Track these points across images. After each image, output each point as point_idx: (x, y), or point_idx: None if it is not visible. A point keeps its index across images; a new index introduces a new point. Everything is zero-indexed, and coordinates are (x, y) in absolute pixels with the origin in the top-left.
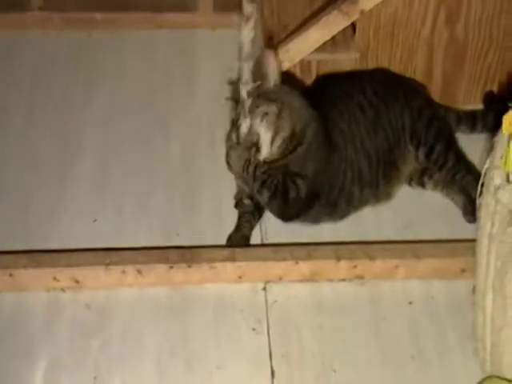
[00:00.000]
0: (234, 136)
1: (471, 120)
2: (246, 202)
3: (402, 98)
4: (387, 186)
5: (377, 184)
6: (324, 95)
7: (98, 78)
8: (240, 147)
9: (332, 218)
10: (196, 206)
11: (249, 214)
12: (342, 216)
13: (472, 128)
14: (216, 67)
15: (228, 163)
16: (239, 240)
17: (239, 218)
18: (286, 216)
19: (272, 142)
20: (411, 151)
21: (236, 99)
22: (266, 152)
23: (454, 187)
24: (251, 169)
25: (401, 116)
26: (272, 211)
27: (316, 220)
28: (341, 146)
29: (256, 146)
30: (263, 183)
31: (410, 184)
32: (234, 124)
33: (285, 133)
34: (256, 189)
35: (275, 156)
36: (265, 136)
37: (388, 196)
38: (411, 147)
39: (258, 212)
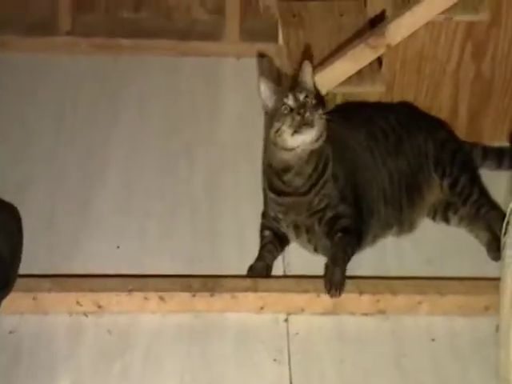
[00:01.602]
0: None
1: (498, 155)
2: (266, 233)
3: (425, 128)
4: (410, 213)
5: (400, 207)
6: (342, 114)
7: (123, 103)
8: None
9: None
10: (218, 233)
11: (270, 244)
12: (373, 240)
13: (499, 164)
14: (240, 96)
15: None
16: (261, 269)
17: (261, 248)
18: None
19: None
20: (436, 180)
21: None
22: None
23: (478, 224)
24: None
25: (424, 145)
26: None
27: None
28: (359, 154)
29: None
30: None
31: (433, 219)
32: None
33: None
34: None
35: None
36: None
37: (411, 225)
38: (436, 176)
39: (279, 244)
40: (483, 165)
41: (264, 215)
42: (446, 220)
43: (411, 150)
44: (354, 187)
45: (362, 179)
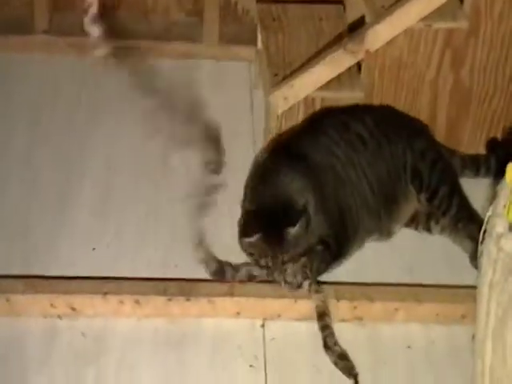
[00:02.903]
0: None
1: (475, 164)
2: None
3: (404, 136)
4: (388, 221)
5: (379, 215)
6: (317, 124)
7: (100, 104)
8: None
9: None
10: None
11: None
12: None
13: (476, 172)
14: (219, 99)
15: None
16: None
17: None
18: (338, 262)
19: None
20: (412, 192)
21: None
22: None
23: (460, 233)
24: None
25: (403, 155)
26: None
27: None
28: (339, 170)
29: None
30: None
31: (416, 229)
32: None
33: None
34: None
35: None
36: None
37: (389, 233)
38: (412, 188)
39: None
40: (462, 174)
41: None
42: (429, 230)
43: (391, 158)
44: (339, 208)
45: (344, 195)
